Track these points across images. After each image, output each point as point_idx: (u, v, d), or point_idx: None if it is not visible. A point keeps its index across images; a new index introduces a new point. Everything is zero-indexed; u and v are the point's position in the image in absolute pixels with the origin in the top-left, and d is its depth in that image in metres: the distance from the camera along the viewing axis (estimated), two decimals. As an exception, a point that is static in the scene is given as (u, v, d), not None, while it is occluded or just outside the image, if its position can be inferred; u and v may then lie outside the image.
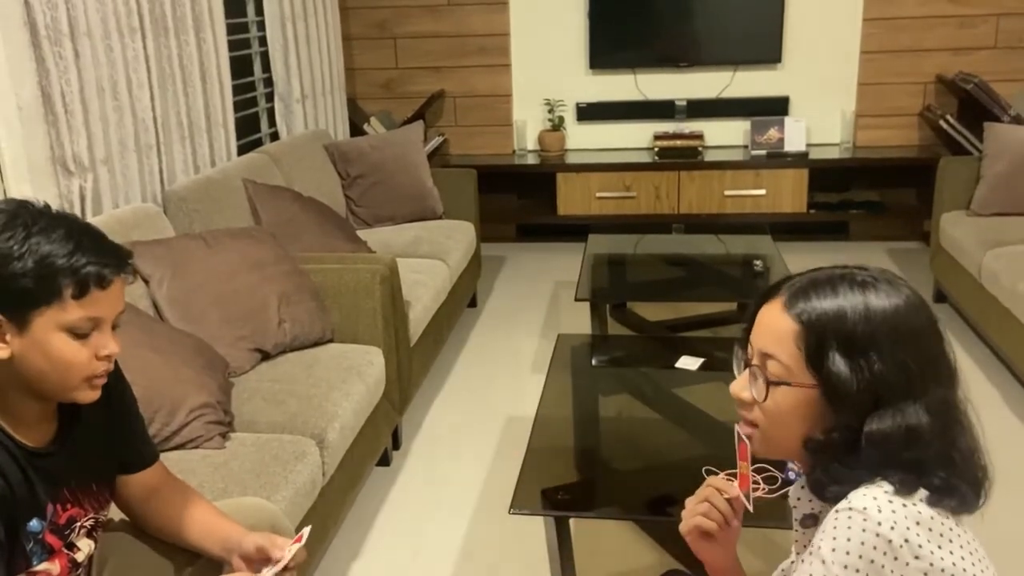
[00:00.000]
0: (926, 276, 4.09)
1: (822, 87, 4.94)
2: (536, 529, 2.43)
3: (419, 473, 2.80)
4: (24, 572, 1.27)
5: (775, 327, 1.04)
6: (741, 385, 1.10)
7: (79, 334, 1.20)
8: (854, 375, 0.99)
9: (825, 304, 1.01)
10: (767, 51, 4.87)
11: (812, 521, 1.12)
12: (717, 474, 1.99)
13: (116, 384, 1.40)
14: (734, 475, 1.21)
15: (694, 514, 1.21)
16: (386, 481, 2.76)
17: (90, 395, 1.26)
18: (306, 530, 1.36)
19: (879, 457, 0.98)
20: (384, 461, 2.82)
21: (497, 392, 3.33)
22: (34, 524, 1.27)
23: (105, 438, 1.39)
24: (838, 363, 0.99)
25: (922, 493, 0.97)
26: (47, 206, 1.23)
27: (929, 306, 1.05)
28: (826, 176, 4.84)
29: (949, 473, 0.99)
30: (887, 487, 0.97)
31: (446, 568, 2.32)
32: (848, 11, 4.80)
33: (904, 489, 0.97)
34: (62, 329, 1.18)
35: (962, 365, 1.07)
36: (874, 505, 0.95)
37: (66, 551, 1.34)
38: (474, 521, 2.52)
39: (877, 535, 0.93)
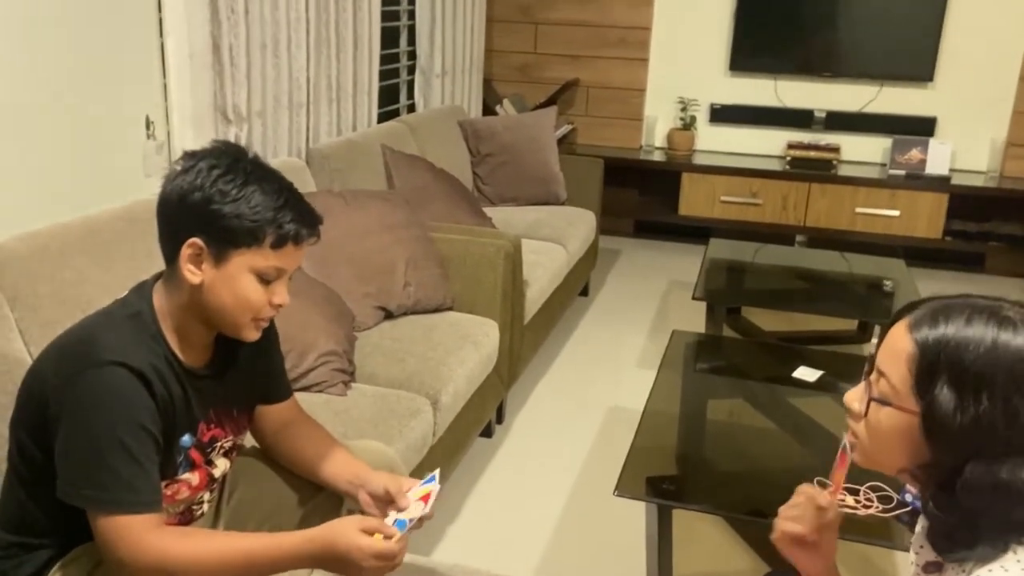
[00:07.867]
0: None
1: (974, 111, 4.71)
2: (631, 517, 2.44)
3: (520, 449, 2.85)
4: (169, 478, 1.37)
5: (894, 346, 1.00)
6: (854, 395, 1.07)
7: (265, 280, 1.30)
8: (957, 411, 0.92)
9: (949, 331, 0.94)
10: (918, 67, 4.68)
11: (935, 568, 1.05)
12: (827, 486, 1.96)
13: (269, 324, 1.49)
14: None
15: (783, 519, 1.21)
16: (488, 452, 2.81)
17: (253, 335, 1.36)
18: (435, 481, 1.41)
19: (974, 507, 0.93)
20: (487, 433, 2.88)
21: (601, 382, 3.34)
22: (186, 439, 1.36)
23: (252, 369, 1.49)
24: (944, 394, 0.93)
25: None
26: (258, 157, 1.34)
27: None
28: (966, 204, 4.63)
29: None
30: (1013, 563, 0.91)
31: (540, 543, 2.36)
32: (1012, 33, 4.57)
33: None
34: (252, 271, 1.29)
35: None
36: None
37: (205, 466, 1.43)
38: (571, 501, 2.55)
39: None
